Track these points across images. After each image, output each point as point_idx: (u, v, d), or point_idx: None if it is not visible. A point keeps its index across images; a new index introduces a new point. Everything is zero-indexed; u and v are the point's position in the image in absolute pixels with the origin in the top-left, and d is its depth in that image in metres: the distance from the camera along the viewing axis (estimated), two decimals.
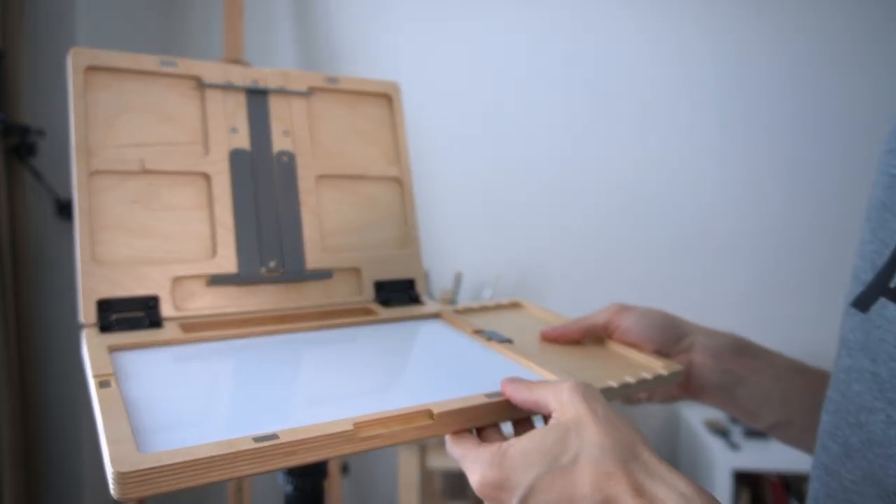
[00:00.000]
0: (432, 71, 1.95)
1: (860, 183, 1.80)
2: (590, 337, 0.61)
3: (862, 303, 0.40)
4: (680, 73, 1.87)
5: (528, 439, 0.39)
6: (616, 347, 0.59)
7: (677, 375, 0.54)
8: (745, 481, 1.64)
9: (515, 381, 0.45)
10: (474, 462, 0.40)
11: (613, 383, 0.50)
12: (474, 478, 0.39)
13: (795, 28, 1.82)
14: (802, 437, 0.56)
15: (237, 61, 1.69)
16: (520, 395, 0.43)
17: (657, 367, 0.54)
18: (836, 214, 1.82)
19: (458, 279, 1.86)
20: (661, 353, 0.58)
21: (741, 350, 0.58)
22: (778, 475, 1.62)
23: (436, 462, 1.59)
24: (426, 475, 1.75)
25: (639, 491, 0.35)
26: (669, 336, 0.58)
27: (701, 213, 1.88)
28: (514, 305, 0.71)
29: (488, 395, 0.46)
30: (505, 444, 0.39)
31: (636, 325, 0.58)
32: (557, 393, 0.41)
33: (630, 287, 1.90)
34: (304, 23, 2.00)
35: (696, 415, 1.78)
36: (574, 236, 1.92)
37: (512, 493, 0.37)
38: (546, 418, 0.42)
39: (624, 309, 0.59)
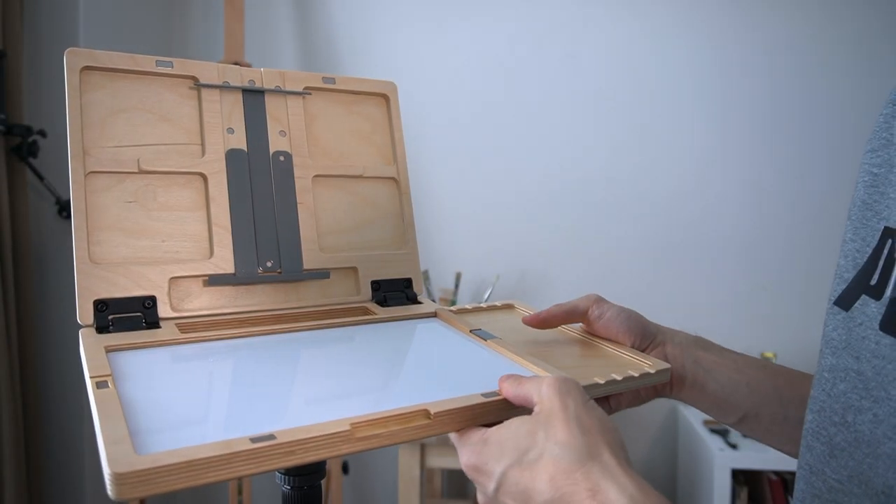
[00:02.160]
0: (430, 71, 1.96)
1: (852, 184, 1.80)
2: (582, 338, 0.62)
3: (844, 301, 0.40)
4: (678, 76, 1.87)
5: (504, 429, 0.42)
6: (608, 348, 0.59)
7: (665, 374, 0.54)
8: (744, 480, 1.64)
9: (510, 377, 0.46)
10: (463, 446, 0.44)
11: (600, 380, 0.51)
12: (461, 460, 0.43)
13: (791, 30, 1.82)
14: (771, 431, 0.58)
15: (237, 62, 1.70)
16: (511, 391, 0.45)
17: (644, 365, 0.54)
18: (830, 215, 1.82)
19: (458, 279, 1.86)
20: (639, 346, 0.60)
21: (704, 346, 0.60)
22: (776, 474, 1.62)
23: (436, 461, 1.60)
24: (426, 474, 1.75)
25: (593, 491, 0.37)
26: (646, 331, 0.60)
27: (698, 214, 1.88)
28: (507, 307, 0.71)
29: (485, 395, 0.46)
30: (488, 432, 0.42)
31: (617, 318, 0.60)
32: (538, 386, 0.43)
33: (628, 287, 1.90)
34: (303, 23, 2.00)
35: (695, 414, 1.78)
36: (573, 237, 1.92)
37: (489, 477, 0.41)
38: None
39: (603, 301, 0.61)
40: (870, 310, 0.37)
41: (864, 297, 0.38)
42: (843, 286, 0.40)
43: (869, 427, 0.36)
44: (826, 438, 0.39)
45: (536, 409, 0.42)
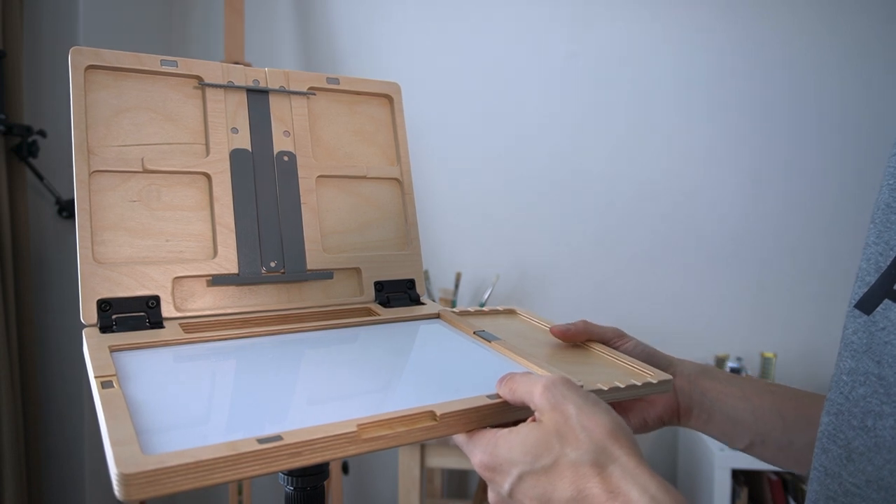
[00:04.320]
0: (433, 71, 1.95)
1: (859, 186, 1.80)
2: (587, 346, 0.63)
3: (866, 305, 0.40)
4: (680, 75, 1.87)
5: (515, 434, 0.42)
6: (611, 357, 0.60)
7: (666, 385, 0.55)
8: (744, 480, 1.64)
9: (502, 382, 0.46)
10: (474, 447, 0.44)
11: (603, 386, 0.51)
12: (474, 460, 0.44)
13: (790, 31, 1.82)
14: (779, 455, 0.59)
15: (238, 62, 1.69)
16: (508, 397, 0.45)
17: (647, 376, 0.55)
18: (835, 217, 1.82)
19: (458, 279, 1.86)
20: None
21: (711, 376, 0.62)
22: (776, 474, 1.62)
23: (436, 461, 1.60)
24: (426, 474, 1.75)
25: (614, 493, 0.37)
26: (658, 364, 0.61)
27: (698, 214, 1.88)
28: (509, 312, 0.71)
29: (490, 396, 0.46)
30: (498, 434, 0.43)
31: (633, 350, 0.61)
32: (530, 395, 0.43)
33: (628, 288, 1.90)
34: (304, 23, 1.99)
35: None
36: (573, 237, 1.92)
37: (504, 476, 0.42)
38: None
39: (623, 335, 0.63)
40: (893, 314, 0.37)
41: (886, 301, 0.38)
42: (865, 289, 0.40)
43: (890, 433, 0.36)
44: (843, 442, 0.39)
45: (537, 415, 0.42)
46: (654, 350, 0.63)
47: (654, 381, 0.54)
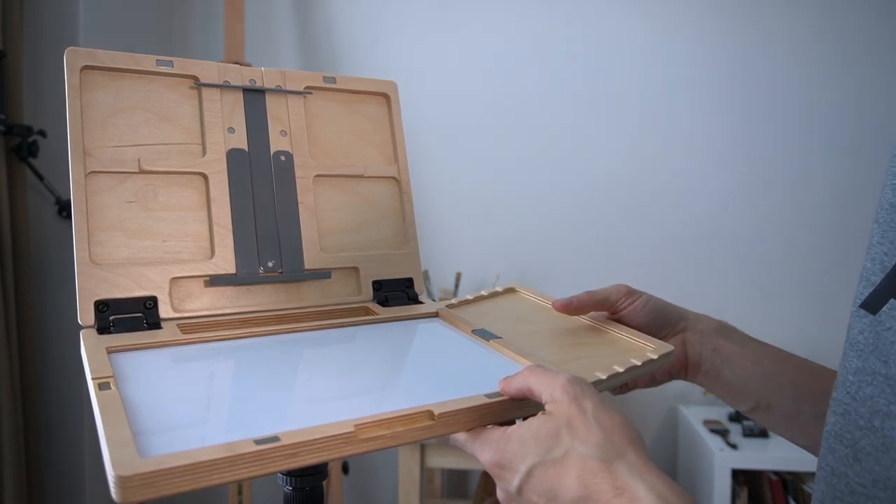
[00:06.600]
0: (434, 71, 1.95)
1: (861, 184, 1.80)
2: (587, 322, 0.63)
3: (871, 305, 0.39)
4: (680, 71, 1.87)
5: (526, 427, 0.42)
6: (610, 331, 0.59)
7: (668, 357, 0.55)
8: (744, 480, 1.64)
9: (506, 378, 0.47)
10: (483, 444, 0.44)
11: (602, 374, 0.51)
12: (483, 458, 0.44)
13: (801, 27, 1.81)
14: (782, 423, 0.59)
15: (238, 62, 1.69)
16: (513, 387, 0.45)
17: (647, 350, 0.54)
18: (836, 215, 1.82)
19: (458, 279, 1.86)
20: (658, 334, 0.61)
21: (726, 334, 0.61)
22: (776, 474, 1.62)
23: (436, 461, 1.59)
24: (426, 474, 1.75)
25: (620, 490, 0.37)
26: (669, 319, 0.61)
27: (701, 212, 1.88)
28: (509, 291, 0.71)
29: (488, 396, 0.46)
30: (509, 430, 0.43)
31: (643, 308, 0.61)
32: (550, 388, 0.43)
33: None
34: (303, 23, 1.99)
35: (695, 414, 1.78)
36: (574, 236, 1.92)
37: (514, 473, 0.42)
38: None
39: (631, 292, 0.62)
40: None
41: (892, 300, 0.38)
42: (870, 289, 0.40)
43: None
44: (850, 442, 0.39)
45: (549, 408, 0.42)
46: (665, 304, 0.62)
47: (655, 357, 0.54)
